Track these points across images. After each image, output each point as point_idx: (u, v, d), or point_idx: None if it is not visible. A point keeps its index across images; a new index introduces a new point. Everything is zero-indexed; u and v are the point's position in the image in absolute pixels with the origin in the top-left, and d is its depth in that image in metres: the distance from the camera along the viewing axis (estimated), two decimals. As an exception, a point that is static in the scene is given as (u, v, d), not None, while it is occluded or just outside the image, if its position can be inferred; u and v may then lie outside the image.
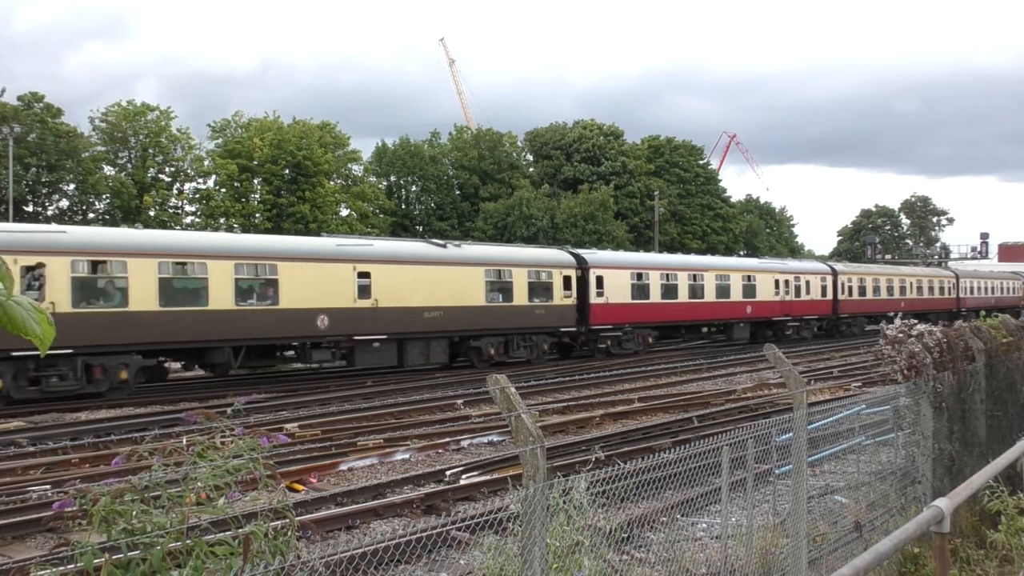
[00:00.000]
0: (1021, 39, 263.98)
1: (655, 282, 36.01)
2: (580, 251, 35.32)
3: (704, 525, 9.81)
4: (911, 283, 53.98)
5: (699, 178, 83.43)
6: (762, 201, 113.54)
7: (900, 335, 9.65)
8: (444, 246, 30.11)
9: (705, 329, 41.93)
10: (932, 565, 6.55)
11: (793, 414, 6.79)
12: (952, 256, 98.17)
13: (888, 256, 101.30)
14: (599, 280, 33.29)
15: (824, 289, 45.95)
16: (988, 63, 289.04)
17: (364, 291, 26.00)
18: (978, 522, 8.63)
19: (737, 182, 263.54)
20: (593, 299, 32.95)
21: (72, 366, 20.77)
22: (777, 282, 42.52)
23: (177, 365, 27.36)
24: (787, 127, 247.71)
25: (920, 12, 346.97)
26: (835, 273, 47.31)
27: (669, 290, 36.48)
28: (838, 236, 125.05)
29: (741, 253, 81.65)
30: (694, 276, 37.95)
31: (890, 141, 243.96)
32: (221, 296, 23.10)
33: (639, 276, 35.51)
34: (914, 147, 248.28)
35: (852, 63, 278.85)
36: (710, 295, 38.40)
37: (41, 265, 20.32)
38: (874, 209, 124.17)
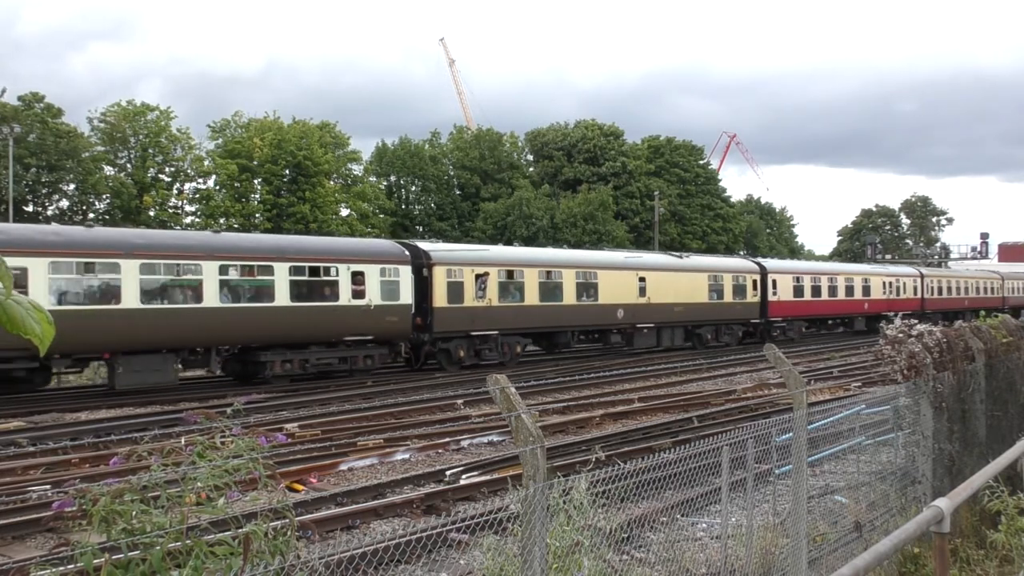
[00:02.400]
0: (1021, 40, 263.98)
1: (807, 284, 45.30)
2: (760, 260, 45.46)
3: (704, 525, 9.81)
4: (971, 284, 63.40)
5: (699, 178, 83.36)
6: (762, 201, 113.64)
7: (900, 335, 9.64)
8: (680, 257, 40.99)
9: (830, 322, 50.23)
10: (932, 565, 6.54)
11: (793, 414, 6.79)
12: (952, 256, 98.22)
13: (888, 256, 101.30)
14: (774, 283, 42.45)
15: (915, 289, 55.35)
16: (988, 64, 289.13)
17: (642, 291, 35.01)
18: (978, 522, 8.63)
19: (737, 182, 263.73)
20: (771, 297, 42.03)
21: (496, 344, 29.50)
22: (884, 283, 51.80)
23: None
24: (787, 127, 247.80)
25: (921, 14, 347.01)
26: (922, 276, 56.92)
27: (815, 290, 45.79)
28: (838, 236, 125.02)
29: (741, 253, 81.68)
30: (831, 279, 47.59)
31: (890, 142, 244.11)
32: (569, 294, 32.13)
33: (797, 279, 44.66)
34: (914, 148, 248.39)
35: (853, 64, 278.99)
36: (841, 294, 47.85)
37: (486, 273, 29.19)
38: (874, 209, 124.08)
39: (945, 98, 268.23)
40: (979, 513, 8.55)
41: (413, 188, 71.07)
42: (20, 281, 19.45)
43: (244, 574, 2.92)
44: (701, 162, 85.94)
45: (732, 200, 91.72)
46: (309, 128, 60.58)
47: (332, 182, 61.23)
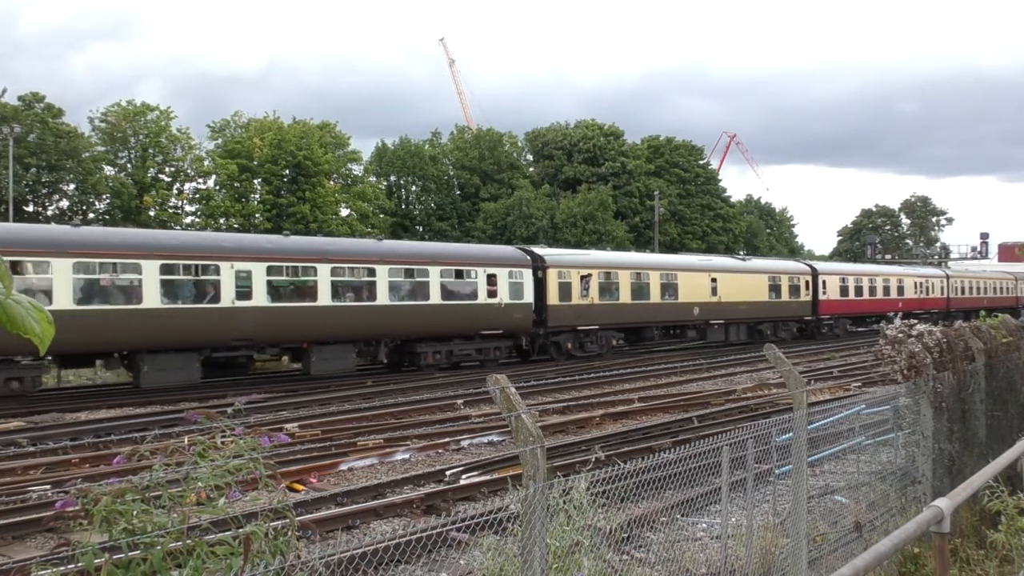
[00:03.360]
0: (1021, 40, 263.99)
1: (851, 284, 49.25)
2: (811, 262, 49.40)
3: (704, 525, 9.81)
4: (990, 284, 67.48)
5: (699, 178, 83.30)
6: (762, 201, 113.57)
7: (900, 335, 9.64)
8: (744, 259, 45.18)
9: (867, 319, 52.98)
10: (932, 565, 6.54)
11: (793, 414, 6.79)
12: (952, 256, 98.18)
13: (888, 256, 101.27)
14: (824, 283, 46.25)
15: (942, 289, 59.12)
16: (988, 64, 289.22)
17: (714, 291, 38.49)
18: (978, 522, 8.63)
19: (737, 182, 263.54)
20: (821, 297, 45.92)
21: (596, 337, 33.32)
22: (915, 284, 55.76)
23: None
24: (787, 127, 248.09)
25: (921, 14, 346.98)
26: (947, 277, 60.72)
27: (857, 290, 49.81)
28: (838, 236, 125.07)
29: (742, 253, 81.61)
30: (871, 280, 51.64)
31: (890, 141, 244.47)
32: (655, 294, 35.92)
33: (843, 280, 48.62)
34: (914, 147, 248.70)
35: (853, 64, 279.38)
36: (879, 294, 51.85)
37: (589, 275, 32.97)
38: (874, 209, 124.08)
39: (945, 98, 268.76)
40: (979, 513, 8.55)
41: (413, 188, 71.02)
42: (245, 282, 23.52)
43: (244, 574, 2.92)
44: (701, 162, 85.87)
45: (732, 200, 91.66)
46: (309, 128, 60.53)
47: (332, 182, 61.18)
